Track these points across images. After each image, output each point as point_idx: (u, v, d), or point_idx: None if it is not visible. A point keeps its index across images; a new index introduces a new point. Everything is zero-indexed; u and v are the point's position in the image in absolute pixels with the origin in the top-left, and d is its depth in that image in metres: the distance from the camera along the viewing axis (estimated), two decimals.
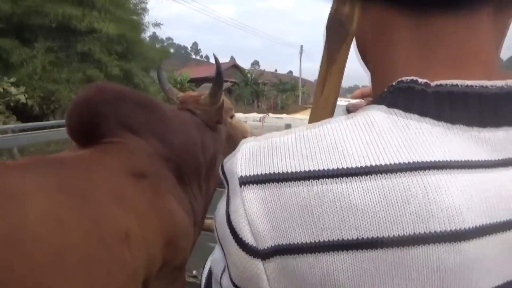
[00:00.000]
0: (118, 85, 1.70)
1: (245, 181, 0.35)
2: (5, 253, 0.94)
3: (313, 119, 0.47)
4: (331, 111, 0.47)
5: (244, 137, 2.29)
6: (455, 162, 0.33)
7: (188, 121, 1.81)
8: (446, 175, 0.32)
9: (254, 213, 0.34)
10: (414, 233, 0.31)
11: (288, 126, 2.99)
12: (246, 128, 2.38)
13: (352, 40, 0.44)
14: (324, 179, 0.33)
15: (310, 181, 0.33)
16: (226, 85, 22.47)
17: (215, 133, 1.95)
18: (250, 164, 0.36)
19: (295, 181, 0.34)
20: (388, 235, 0.31)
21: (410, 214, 0.31)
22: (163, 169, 1.53)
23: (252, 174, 0.35)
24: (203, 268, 0.49)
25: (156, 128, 1.58)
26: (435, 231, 0.31)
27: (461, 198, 0.31)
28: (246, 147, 0.38)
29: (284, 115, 3.52)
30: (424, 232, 0.31)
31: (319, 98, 0.47)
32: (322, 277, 0.32)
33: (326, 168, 0.33)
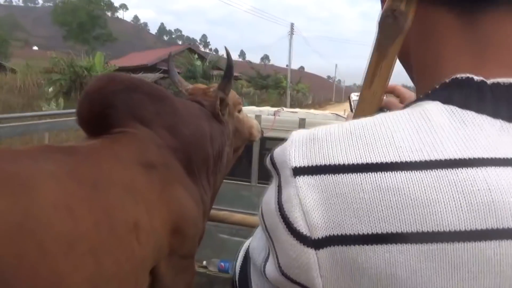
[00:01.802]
0: (130, 75, 1.76)
1: (299, 171, 0.36)
2: (18, 240, 0.97)
3: (359, 113, 0.48)
4: (378, 106, 0.48)
5: (251, 132, 2.33)
6: None
7: (197, 113, 1.84)
8: (507, 172, 0.33)
9: (309, 203, 0.35)
10: (476, 228, 0.31)
11: (302, 121, 3.00)
12: (253, 122, 2.40)
13: (404, 37, 0.44)
14: (383, 172, 0.34)
15: (368, 173, 0.34)
16: (152, 77, 18.90)
17: (222, 125, 1.98)
18: (304, 154, 0.37)
19: (352, 173, 0.34)
20: (450, 230, 0.32)
21: (472, 209, 0.32)
22: (172, 159, 1.56)
23: (306, 164, 0.36)
24: (236, 259, 0.51)
25: (166, 119, 1.61)
26: (497, 227, 0.31)
27: None
28: (297, 137, 0.39)
29: (298, 109, 3.53)
30: (487, 228, 0.31)
31: (367, 92, 0.47)
32: (379, 268, 0.33)
33: (385, 161, 0.34)
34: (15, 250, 0.96)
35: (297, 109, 3.63)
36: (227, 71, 2.00)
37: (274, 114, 3.20)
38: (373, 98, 0.47)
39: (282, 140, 0.40)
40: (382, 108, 0.71)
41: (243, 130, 2.25)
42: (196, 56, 23.89)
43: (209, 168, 1.85)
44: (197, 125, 1.77)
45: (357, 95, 0.71)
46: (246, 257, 0.47)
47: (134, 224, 1.26)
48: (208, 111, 1.92)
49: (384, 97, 0.77)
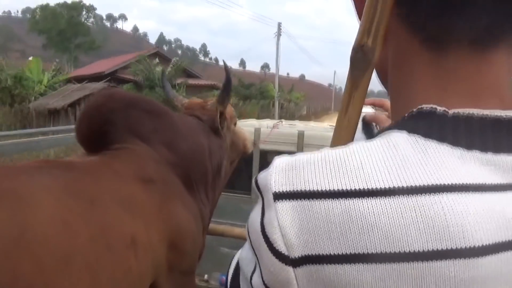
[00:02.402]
0: (129, 91, 1.78)
1: (279, 196, 0.40)
2: (15, 254, 0.98)
3: (336, 139, 0.51)
4: (353, 131, 0.51)
5: (245, 144, 2.36)
6: (470, 185, 0.37)
7: (196, 128, 1.86)
8: (462, 197, 0.36)
9: (286, 225, 0.38)
10: (433, 249, 0.35)
11: (301, 133, 3.03)
12: (246, 135, 2.42)
13: (373, 69, 0.48)
14: (351, 198, 0.37)
15: (338, 199, 0.37)
16: (94, 87, 16.48)
17: (221, 139, 2.00)
18: (283, 180, 0.40)
19: (324, 198, 0.38)
20: (409, 250, 0.35)
21: (430, 231, 0.35)
22: (171, 175, 1.58)
23: (285, 190, 0.40)
24: (229, 267, 0.55)
25: (164, 135, 1.63)
26: (451, 248, 0.35)
27: (474, 218, 0.35)
28: (278, 164, 0.42)
29: (297, 122, 3.57)
30: (442, 249, 0.35)
31: (343, 119, 0.51)
32: (349, 285, 0.37)
33: (352, 188, 0.37)
34: (11, 265, 0.97)
35: (295, 122, 3.66)
36: (226, 84, 2.02)
37: (273, 127, 3.24)
38: (349, 124, 0.50)
39: (281, 153, 0.44)
40: (370, 123, 0.77)
41: (238, 143, 2.27)
42: (157, 61, 21.31)
43: (208, 183, 1.86)
44: (195, 140, 1.78)
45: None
46: (238, 266, 0.50)
47: (131, 240, 1.26)
48: (206, 125, 1.93)
49: (373, 111, 0.82)
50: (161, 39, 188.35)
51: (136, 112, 1.58)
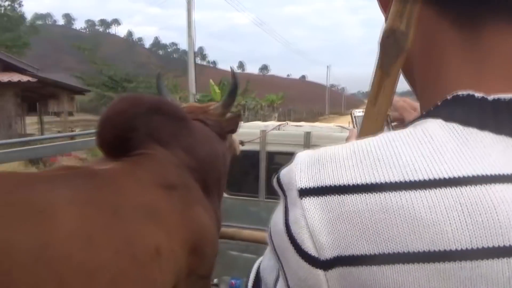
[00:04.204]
0: (151, 96, 1.78)
1: (305, 193, 0.37)
2: (36, 271, 0.96)
3: (364, 131, 0.49)
4: (383, 123, 0.49)
5: (234, 147, 2.35)
6: None
7: (210, 133, 1.89)
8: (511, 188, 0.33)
9: (315, 224, 0.36)
10: (483, 246, 0.32)
11: (307, 134, 3.06)
12: (235, 137, 2.42)
13: (406, 55, 0.44)
14: (387, 191, 0.34)
15: (372, 193, 0.35)
16: None
17: (224, 143, 2.03)
18: (309, 175, 0.38)
19: (357, 193, 0.35)
20: (456, 248, 0.32)
21: (478, 227, 0.32)
22: (190, 179, 1.60)
23: (312, 185, 0.37)
24: (248, 277, 0.52)
25: (183, 140, 1.65)
26: (504, 245, 0.32)
27: None
28: (302, 158, 0.40)
29: (303, 123, 3.60)
30: (493, 246, 0.32)
31: (371, 110, 0.48)
32: None
33: (388, 180, 0.35)
34: (33, 280, 0.95)
35: (302, 123, 3.70)
36: (233, 89, 2.07)
37: (278, 129, 3.27)
38: (378, 115, 0.48)
39: (288, 154, 0.43)
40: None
41: (232, 145, 2.29)
42: None
43: (220, 187, 1.91)
44: (211, 146, 1.82)
45: (360, 112, 0.74)
46: (258, 277, 0.47)
47: (155, 251, 1.26)
48: (213, 130, 1.95)
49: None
50: (156, 43, 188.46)
51: (157, 117, 1.59)
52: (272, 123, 3.52)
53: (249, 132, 3.11)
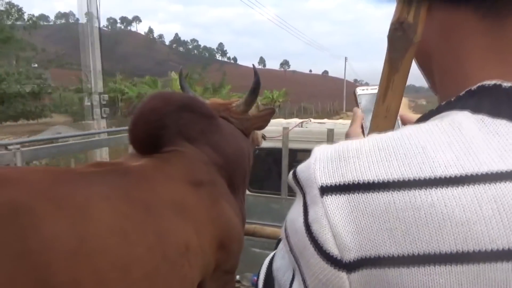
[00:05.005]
0: (181, 93, 1.82)
1: (327, 190, 0.35)
2: (74, 265, 1.00)
3: (374, 129, 0.47)
4: (394, 121, 0.47)
5: (259, 139, 2.36)
6: None
7: (235, 131, 1.93)
8: None
9: (339, 223, 0.34)
10: None
11: (330, 131, 3.06)
12: (258, 132, 2.43)
13: (415, 48, 0.43)
14: (416, 188, 0.33)
15: (401, 190, 0.33)
16: None
17: (248, 140, 2.06)
18: (331, 171, 0.36)
19: (384, 190, 0.33)
20: (492, 248, 0.30)
21: None
22: (217, 176, 1.64)
23: (334, 182, 0.35)
24: (258, 275, 0.50)
25: (211, 137, 1.69)
26: None
27: None
28: (322, 153, 0.38)
29: (326, 120, 3.61)
30: None
31: (381, 107, 0.47)
32: None
33: (418, 177, 0.33)
34: (72, 275, 0.99)
35: (325, 120, 3.70)
36: (255, 87, 2.08)
37: (301, 126, 3.28)
38: (387, 113, 0.46)
39: (311, 151, 0.40)
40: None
41: (254, 139, 2.32)
42: None
43: (245, 184, 1.95)
44: (238, 143, 1.86)
45: (363, 89, 0.69)
46: (270, 276, 0.46)
47: (185, 247, 1.30)
48: (236, 127, 1.99)
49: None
50: (176, 40, 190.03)
51: (187, 115, 1.63)
52: (295, 120, 3.53)
53: (271, 129, 3.13)
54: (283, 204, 3.15)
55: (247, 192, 2.57)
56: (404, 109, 0.66)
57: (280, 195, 3.19)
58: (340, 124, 3.44)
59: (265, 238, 2.65)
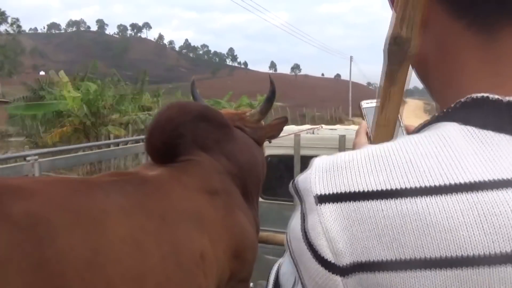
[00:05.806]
0: (198, 104, 1.85)
1: (322, 199, 0.38)
2: (88, 277, 1.03)
3: (376, 138, 0.50)
4: (393, 129, 0.50)
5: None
6: None
7: (249, 140, 1.95)
8: None
9: (332, 230, 0.36)
10: (501, 251, 0.32)
11: (342, 138, 3.07)
12: None
13: (412, 61, 0.45)
14: (403, 197, 0.35)
15: (388, 199, 0.35)
16: None
17: (261, 149, 2.09)
18: (326, 181, 0.38)
19: (373, 199, 0.36)
20: (474, 254, 0.32)
21: (496, 232, 0.32)
22: (232, 185, 1.67)
23: (328, 192, 0.38)
24: (267, 280, 0.51)
25: (226, 147, 1.72)
26: None
27: None
28: (319, 164, 0.40)
29: (338, 126, 3.62)
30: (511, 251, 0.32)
31: (380, 117, 0.49)
32: None
33: (403, 186, 0.35)
34: (84, 285, 1.02)
35: (336, 126, 3.71)
36: (271, 96, 2.12)
37: (313, 132, 3.30)
38: (387, 122, 0.49)
39: None
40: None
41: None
42: None
43: (259, 193, 1.98)
44: (252, 153, 1.88)
45: (368, 102, 0.73)
46: (277, 281, 0.47)
47: (200, 257, 1.32)
48: (250, 136, 2.01)
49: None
50: (186, 45, 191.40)
51: (202, 124, 1.66)
52: (306, 127, 3.54)
53: (282, 136, 3.15)
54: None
55: (260, 199, 2.59)
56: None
57: (293, 202, 3.18)
58: (352, 130, 3.44)
59: (278, 245, 2.67)
